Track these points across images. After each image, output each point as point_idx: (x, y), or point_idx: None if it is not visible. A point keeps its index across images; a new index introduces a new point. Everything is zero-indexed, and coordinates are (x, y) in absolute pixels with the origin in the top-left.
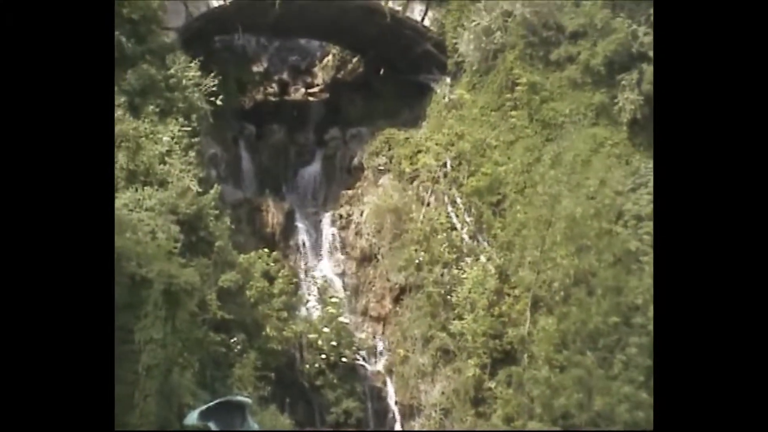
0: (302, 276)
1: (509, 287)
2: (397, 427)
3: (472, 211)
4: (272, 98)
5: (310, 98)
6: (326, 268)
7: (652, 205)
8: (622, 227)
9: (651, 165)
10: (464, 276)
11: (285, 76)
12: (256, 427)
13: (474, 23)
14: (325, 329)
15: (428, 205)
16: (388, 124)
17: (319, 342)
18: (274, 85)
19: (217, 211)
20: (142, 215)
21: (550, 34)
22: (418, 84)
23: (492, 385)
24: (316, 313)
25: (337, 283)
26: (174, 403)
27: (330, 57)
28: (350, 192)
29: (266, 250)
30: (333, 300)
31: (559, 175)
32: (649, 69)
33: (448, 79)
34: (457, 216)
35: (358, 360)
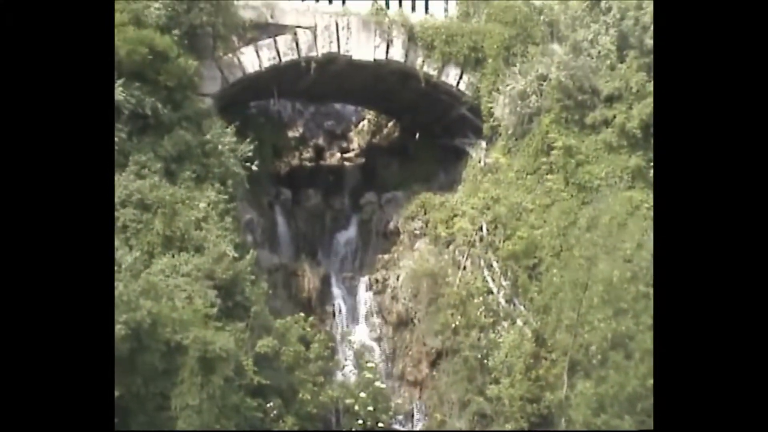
0: (338, 340)
1: (546, 351)
2: None
3: (508, 275)
4: (308, 163)
5: (346, 163)
6: (362, 332)
7: None
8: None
9: None
10: (501, 340)
11: (320, 141)
12: None
13: (509, 87)
14: (362, 394)
15: (464, 269)
16: (423, 189)
17: (356, 407)
18: (309, 149)
19: (253, 276)
20: (179, 281)
21: (585, 97)
22: (453, 148)
23: None
24: (352, 378)
25: (374, 347)
26: None
27: (365, 122)
28: (386, 256)
29: (302, 314)
30: (369, 365)
31: (595, 238)
32: None
33: (484, 143)
34: (493, 280)
35: (395, 425)
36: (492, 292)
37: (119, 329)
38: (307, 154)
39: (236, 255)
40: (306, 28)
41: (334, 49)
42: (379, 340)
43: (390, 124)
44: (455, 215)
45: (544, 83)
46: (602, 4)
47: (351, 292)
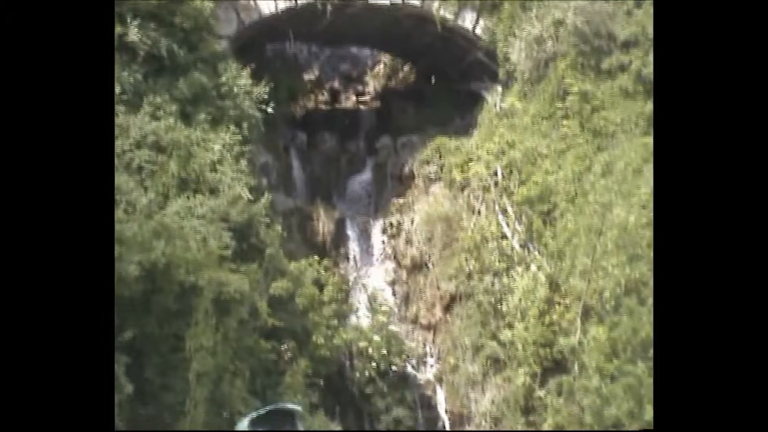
0: (352, 284)
1: (560, 296)
2: None
3: (522, 220)
4: (323, 106)
5: (361, 106)
6: (376, 276)
7: None
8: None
9: None
10: (514, 285)
11: (336, 84)
12: None
13: (525, 32)
14: (376, 337)
15: (479, 213)
16: (439, 133)
17: (369, 350)
18: (325, 93)
19: (268, 219)
20: (194, 223)
21: (601, 43)
22: (469, 92)
23: (542, 394)
24: (366, 321)
25: (388, 291)
26: (224, 411)
27: (381, 65)
28: (401, 200)
29: (317, 257)
30: (383, 308)
31: (611, 184)
32: None
33: (499, 88)
34: (507, 224)
35: (408, 368)
36: (506, 237)
37: (133, 270)
38: (323, 97)
39: (251, 198)
40: None
41: None
42: (393, 283)
43: (406, 68)
44: (470, 160)
45: (561, 28)
46: None
47: (365, 236)
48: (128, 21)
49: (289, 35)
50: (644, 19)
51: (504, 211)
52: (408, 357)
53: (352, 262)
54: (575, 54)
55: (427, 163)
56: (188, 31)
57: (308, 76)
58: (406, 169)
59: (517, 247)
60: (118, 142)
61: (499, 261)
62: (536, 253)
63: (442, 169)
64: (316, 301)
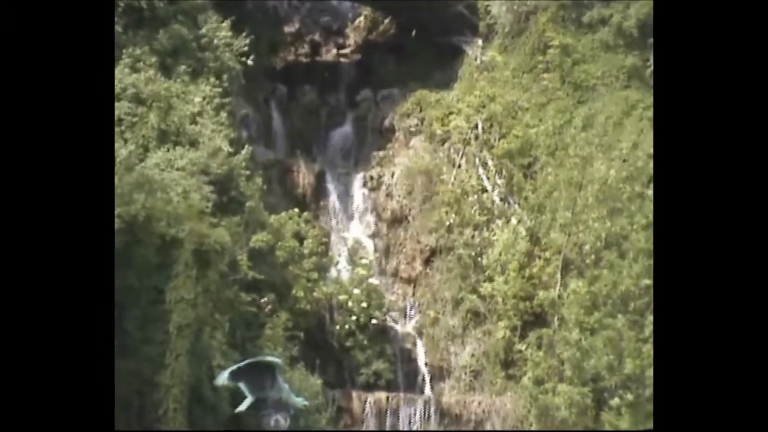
0: (333, 237)
1: (540, 249)
2: (427, 388)
3: (503, 174)
4: (304, 59)
5: (342, 59)
6: (357, 229)
7: None
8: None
9: None
10: (495, 238)
11: (317, 37)
12: (286, 387)
13: None
14: (356, 290)
15: (459, 167)
16: (419, 86)
17: (349, 303)
18: (305, 46)
19: (248, 172)
20: (174, 175)
21: None
22: (450, 46)
23: (522, 347)
24: (346, 275)
25: (368, 244)
26: (204, 363)
27: (362, 18)
28: (381, 153)
29: (297, 210)
30: (363, 261)
31: (591, 138)
32: None
33: (480, 41)
34: (488, 178)
35: (388, 321)
36: (486, 191)
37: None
38: (303, 50)
39: (231, 150)
40: None
41: None
42: (373, 236)
43: (387, 21)
44: (451, 113)
45: None
46: None
47: (346, 189)
48: None
49: None
50: None
51: (484, 165)
52: (388, 310)
53: (332, 216)
54: (556, 7)
55: (408, 116)
56: None
57: (289, 29)
58: (387, 123)
59: (497, 200)
60: None
61: (479, 214)
62: (516, 206)
63: (422, 123)
64: (296, 254)
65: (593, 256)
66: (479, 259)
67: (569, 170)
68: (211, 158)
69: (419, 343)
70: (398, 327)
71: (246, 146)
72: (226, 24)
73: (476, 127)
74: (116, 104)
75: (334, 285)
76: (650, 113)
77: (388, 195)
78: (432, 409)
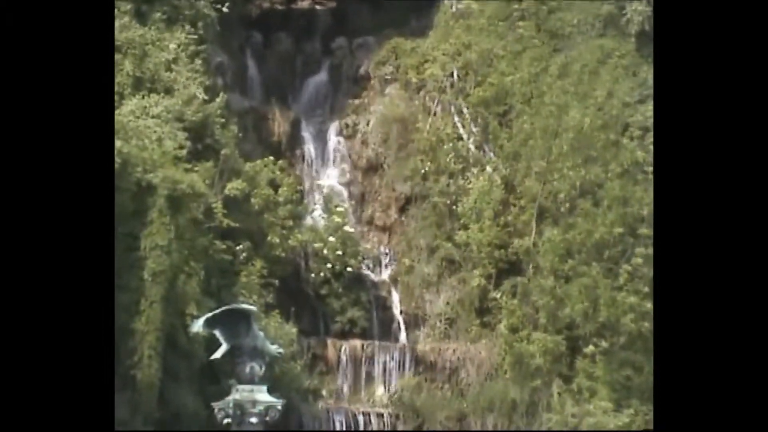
0: (308, 185)
1: (515, 198)
2: (402, 336)
3: (478, 122)
4: (279, 6)
5: (317, 7)
6: (332, 177)
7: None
8: (628, 139)
9: None
10: (470, 186)
11: None
12: (261, 334)
13: None
14: (331, 238)
15: (434, 115)
16: (395, 34)
17: (325, 251)
18: None
19: (223, 119)
20: (149, 122)
21: None
22: None
23: (497, 295)
24: (321, 222)
25: (343, 192)
26: (179, 310)
27: None
28: (356, 101)
29: (272, 158)
30: (338, 209)
31: (566, 86)
32: None
33: None
34: (463, 126)
35: (363, 269)
36: (462, 139)
37: None
38: None
39: (206, 97)
40: None
41: None
42: (348, 184)
43: None
44: (426, 61)
45: None
46: None
47: (321, 137)
48: None
49: None
50: None
51: (460, 113)
52: (363, 258)
53: (307, 163)
54: None
55: (383, 64)
56: None
57: None
58: (362, 71)
59: (472, 148)
60: None
61: (454, 163)
62: (492, 154)
63: (397, 71)
64: (272, 201)
65: (568, 205)
66: (454, 207)
67: (544, 118)
68: (186, 106)
69: (394, 290)
70: (373, 275)
71: (221, 94)
72: None
73: (452, 75)
74: None
75: (309, 233)
76: (625, 61)
77: (364, 143)
78: (407, 356)
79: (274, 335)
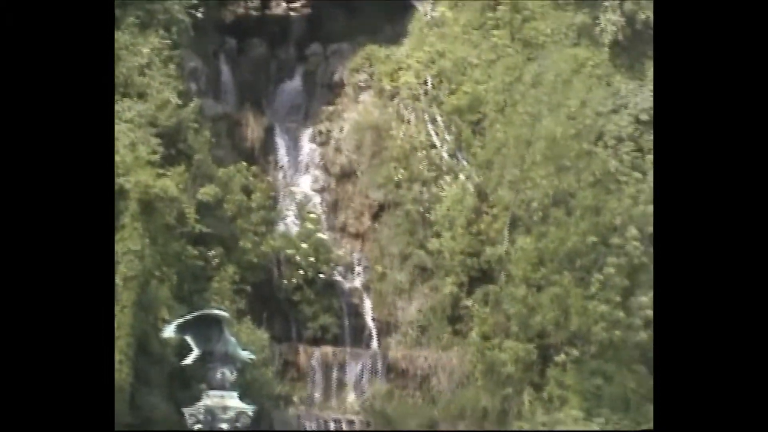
0: (281, 191)
1: (488, 206)
2: (374, 343)
3: (452, 130)
4: (253, 12)
5: (292, 13)
6: (305, 183)
7: (632, 127)
8: (602, 148)
9: (631, 86)
10: (443, 194)
11: None
12: (232, 340)
13: None
14: (303, 245)
15: (408, 122)
16: (369, 41)
17: (297, 257)
18: None
19: (196, 125)
20: (122, 126)
21: None
22: (400, 1)
23: (469, 303)
24: (294, 229)
25: (316, 199)
26: (151, 315)
27: None
28: (330, 108)
29: (245, 164)
30: (311, 215)
31: (540, 95)
32: None
33: None
34: (437, 134)
35: (336, 276)
36: (435, 146)
37: None
38: (253, 3)
39: (180, 102)
40: None
41: None
42: (321, 191)
43: None
44: (400, 68)
45: None
46: None
47: (294, 143)
48: None
49: None
50: None
51: (433, 121)
52: (335, 265)
53: (280, 170)
54: None
55: (357, 71)
56: None
57: None
58: (336, 77)
59: (446, 156)
60: None
61: (427, 170)
62: (465, 162)
63: (372, 78)
64: (244, 207)
65: (540, 213)
66: (427, 214)
67: (518, 127)
68: (159, 110)
69: (366, 297)
70: (345, 282)
71: (194, 99)
72: None
73: (425, 82)
74: None
75: (282, 239)
76: (599, 71)
77: (337, 150)
78: (378, 363)
79: (246, 341)
